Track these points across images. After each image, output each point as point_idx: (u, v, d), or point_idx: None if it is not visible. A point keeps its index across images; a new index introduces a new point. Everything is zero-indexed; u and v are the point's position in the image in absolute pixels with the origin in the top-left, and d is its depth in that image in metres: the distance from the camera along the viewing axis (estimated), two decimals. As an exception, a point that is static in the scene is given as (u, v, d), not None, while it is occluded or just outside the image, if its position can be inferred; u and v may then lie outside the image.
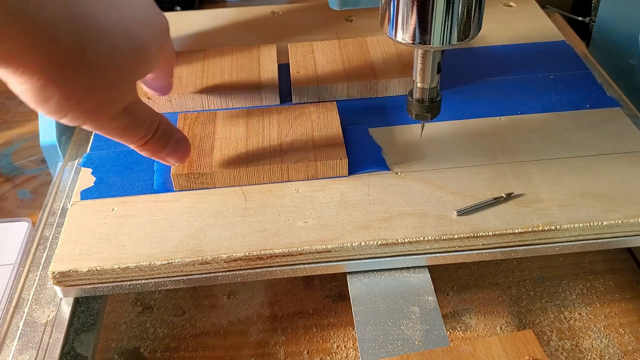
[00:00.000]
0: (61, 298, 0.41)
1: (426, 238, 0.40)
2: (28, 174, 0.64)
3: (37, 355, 0.38)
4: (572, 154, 0.46)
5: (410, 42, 0.34)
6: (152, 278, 0.39)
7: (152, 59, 0.35)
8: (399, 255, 0.40)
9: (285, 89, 0.53)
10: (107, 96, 0.32)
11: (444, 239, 0.40)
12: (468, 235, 0.40)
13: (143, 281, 0.39)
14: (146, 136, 0.37)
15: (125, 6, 0.32)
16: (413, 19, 0.33)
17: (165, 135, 0.39)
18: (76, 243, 0.40)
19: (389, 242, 0.40)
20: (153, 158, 0.40)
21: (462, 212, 0.41)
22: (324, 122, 0.47)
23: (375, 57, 0.55)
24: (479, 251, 0.40)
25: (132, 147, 0.37)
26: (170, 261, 0.39)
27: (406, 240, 0.40)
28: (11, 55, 0.27)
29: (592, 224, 0.40)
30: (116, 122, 0.34)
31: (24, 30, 0.27)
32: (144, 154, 0.39)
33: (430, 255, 0.40)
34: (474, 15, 0.33)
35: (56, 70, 0.29)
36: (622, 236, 0.41)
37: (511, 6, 0.66)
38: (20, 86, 0.29)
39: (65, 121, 0.32)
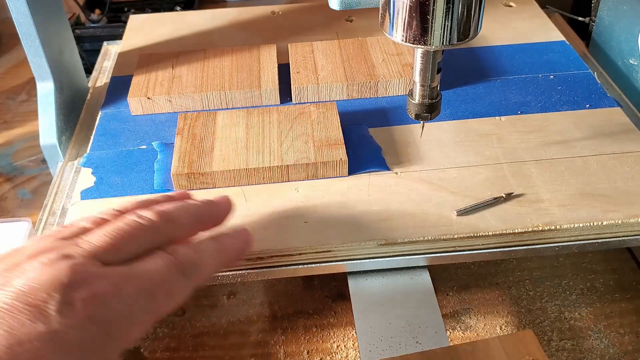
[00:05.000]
0: (61, 298, 0.41)
1: (426, 238, 0.40)
2: (28, 174, 0.64)
3: (37, 355, 0.38)
4: (572, 154, 0.46)
5: (411, 42, 0.34)
6: (152, 278, 0.39)
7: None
8: (399, 255, 0.40)
9: (285, 89, 0.53)
10: None
11: (444, 239, 0.40)
12: (468, 235, 0.40)
13: (143, 281, 0.39)
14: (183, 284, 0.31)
15: None
16: (413, 19, 0.33)
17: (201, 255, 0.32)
18: (76, 243, 0.40)
19: (389, 242, 0.40)
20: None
21: (462, 212, 0.41)
22: (324, 122, 0.47)
23: (375, 57, 0.55)
24: (479, 251, 0.40)
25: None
26: (170, 261, 0.38)
27: (406, 240, 0.40)
28: None
29: (592, 224, 0.40)
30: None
31: None
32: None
33: (430, 255, 0.40)
34: (474, 16, 0.33)
35: None
36: (622, 236, 0.41)
37: (511, 6, 0.66)
38: None
39: None
